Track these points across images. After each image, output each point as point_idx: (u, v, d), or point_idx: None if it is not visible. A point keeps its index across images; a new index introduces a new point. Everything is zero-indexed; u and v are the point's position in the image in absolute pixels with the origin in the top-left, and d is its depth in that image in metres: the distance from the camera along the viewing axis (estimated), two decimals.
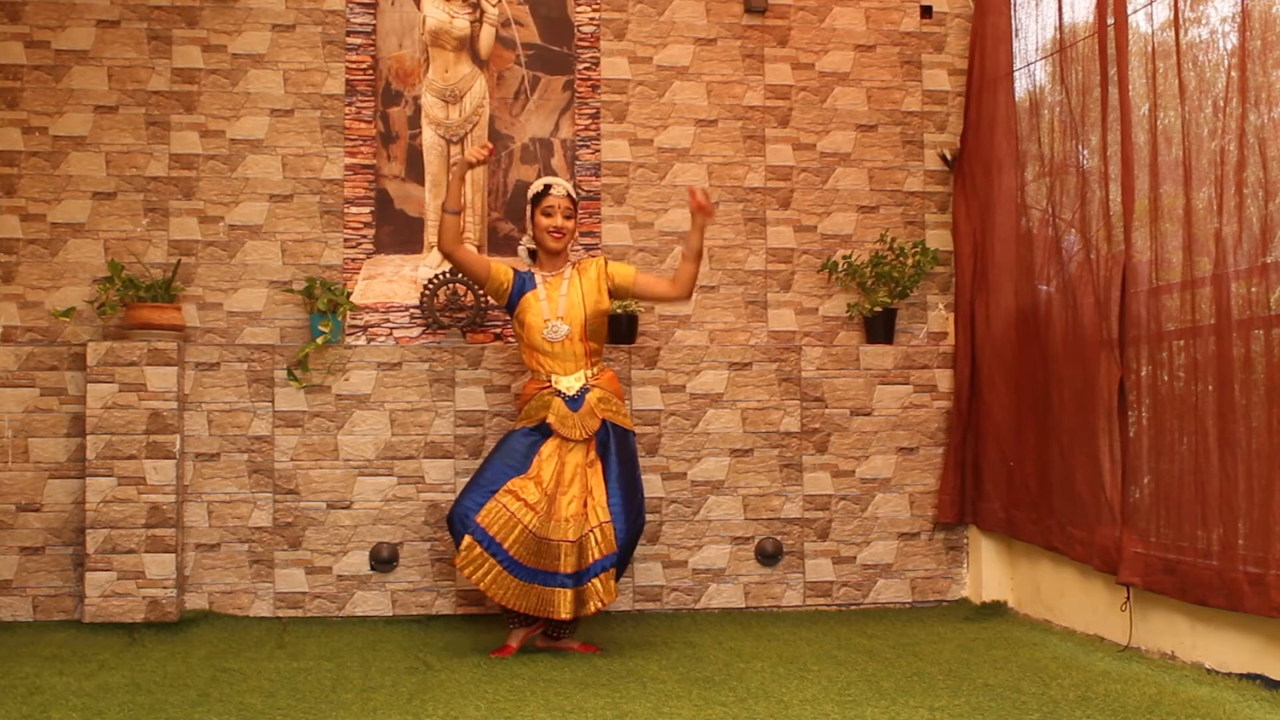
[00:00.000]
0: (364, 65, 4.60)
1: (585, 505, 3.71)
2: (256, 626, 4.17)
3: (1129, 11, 3.74)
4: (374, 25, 4.61)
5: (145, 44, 4.49)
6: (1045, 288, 4.21)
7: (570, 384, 3.80)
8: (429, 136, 4.63)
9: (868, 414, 4.66)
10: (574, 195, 3.92)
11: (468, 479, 3.83)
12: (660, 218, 4.71)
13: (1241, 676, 3.23)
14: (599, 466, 3.79)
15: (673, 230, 4.71)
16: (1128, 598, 3.72)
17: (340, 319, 4.43)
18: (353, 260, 4.55)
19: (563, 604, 3.62)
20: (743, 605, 4.53)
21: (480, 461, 3.91)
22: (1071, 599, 4.09)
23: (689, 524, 4.53)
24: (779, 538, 4.56)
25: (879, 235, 4.79)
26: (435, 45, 4.65)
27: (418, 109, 4.63)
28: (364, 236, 4.57)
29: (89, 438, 4.14)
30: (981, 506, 4.54)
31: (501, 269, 3.90)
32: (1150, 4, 3.67)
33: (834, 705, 3.03)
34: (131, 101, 4.47)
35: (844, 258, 4.72)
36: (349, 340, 4.50)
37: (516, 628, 3.77)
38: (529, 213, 3.91)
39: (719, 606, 4.52)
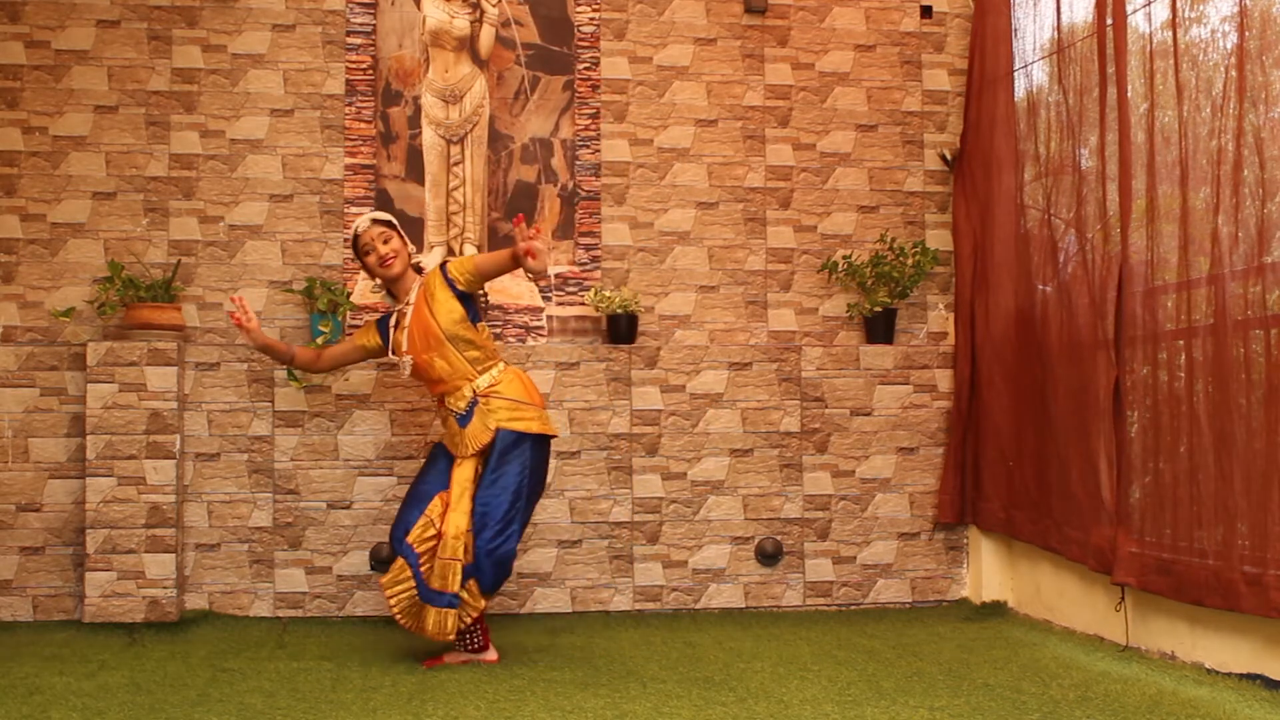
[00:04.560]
0: (364, 65, 4.60)
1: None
2: (256, 626, 4.18)
3: (1128, 11, 3.75)
4: (374, 25, 4.62)
5: (145, 44, 4.49)
6: (1044, 288, 4.21)
7: (457, 402, 3.60)
8: (429, 136, 4.63)
9: (868, 414, 4.66)
10: (381, 218, 3.70)
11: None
12: (660, 218, 4.71)
13: (1241, 676, 3.24)
14: (481, 473, 3.57)
15: (673, 230, 4.71)
16: (1122, 598, 3.72)
17: (340, 319, 4.43)
18: (353, 260, 4.55)
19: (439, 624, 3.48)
20: (743, 605, 4.53)
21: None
22: (1071, 599, 4.09)
23: (689, 524, 4.53)
24: (779, 538, 4.56)
25: (879, 235, 4.79)
26: (435, 45, 4.65)
27: (418, 109, 4.63)
28: None
29: (89, 438, 4.15)
30: (981, 506, 4.54)
31: (363, 335, 3.82)
32: (1150, 4, 3.67)
33: (834, 705, 3.03)
34: (131, 101, 4.47)
35: (844, 258, 4.73)
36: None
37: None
38: (359, 262, 3.76)
39: (719, 606, 4.52)
